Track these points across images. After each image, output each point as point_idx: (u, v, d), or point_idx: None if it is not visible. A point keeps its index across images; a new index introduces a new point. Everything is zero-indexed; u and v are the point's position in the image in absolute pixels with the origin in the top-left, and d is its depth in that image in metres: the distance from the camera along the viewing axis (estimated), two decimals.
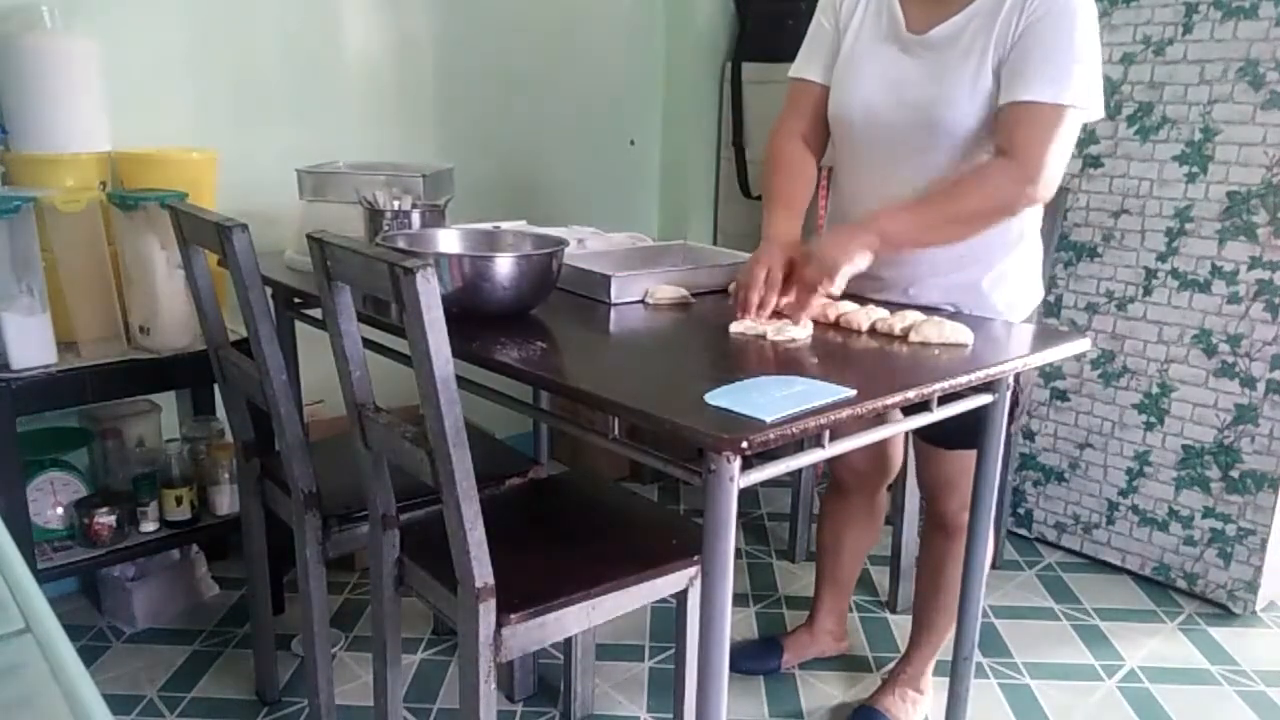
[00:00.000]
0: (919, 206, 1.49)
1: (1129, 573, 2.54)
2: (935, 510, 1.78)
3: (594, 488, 1.83)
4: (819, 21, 1.68)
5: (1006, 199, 1.47)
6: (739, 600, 2.36)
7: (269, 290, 1.65)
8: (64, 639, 0.65)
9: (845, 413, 1.13)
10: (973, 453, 1.56)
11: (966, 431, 1.49)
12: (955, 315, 1.56)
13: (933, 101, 1.51)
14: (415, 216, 1.73)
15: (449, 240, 1.67)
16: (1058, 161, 1.45)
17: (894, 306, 1.53)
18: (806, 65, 1.69)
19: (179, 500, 2.07)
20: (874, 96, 1.57)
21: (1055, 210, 2.38)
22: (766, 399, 1.11)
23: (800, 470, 2.40)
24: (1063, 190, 2.40)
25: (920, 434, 1.68)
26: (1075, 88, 1.43)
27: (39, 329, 1.82)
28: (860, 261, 1.44)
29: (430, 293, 1.11)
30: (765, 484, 1.60)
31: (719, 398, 1.12)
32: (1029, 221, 1.63)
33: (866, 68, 1.59)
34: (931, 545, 1.83)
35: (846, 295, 1.51)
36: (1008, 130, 1.46)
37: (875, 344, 1.42)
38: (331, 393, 1.62)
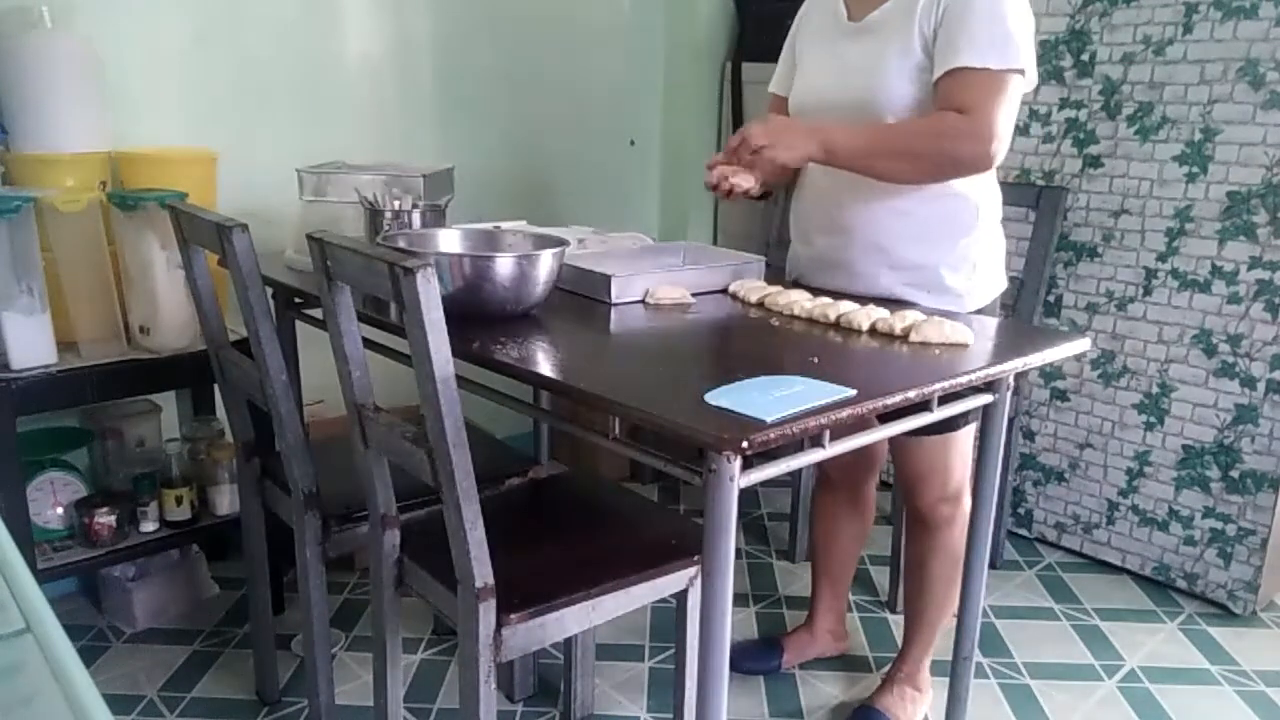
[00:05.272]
0: (872, 132, 1.55)
1: (1129, 573, 2.54)
2: (913, 505, 1.80)
3: (594, 488, 1.83)
4: (789, 35, 1.81)
5: (957, 150, 1.50)
6: (739, 600, 2.36)
7: (269, 290, 1.65)
8: (64, 639, 0.64)
9: (845, 413, 1.13)
10: (946, 440, 1.61)
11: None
12: (913, 302, 1.62)
13: (868, 82, 1.58)
14: (415, 216, 1.73)
15: (449, 240, 1.67)
16: (1007, 125, 1.48)
17: (859, 299, 1.57)
18: (778, 80, 1.83)
19: (179, 500, 2.07)
20: (820, 83, 1.68)
21: (1055, 210, 2.38)
22: (766, 399, 1.11)
23: (800, 470, 2.40)
24: (1062, 190, 2.41)
25: None
26: (1011, 53, 1.47)
27: (39, 329, 1.82)
28: (795, 158, 1.54)
29: (430, 293, 1.11)
30: (765, 484, 1.60)
31: (719, 398, 1.12)
32: (986, 208, 1.65)
33: (813, 59, 1.71)
34: (914, 540, 1.84)
35: (805, 287, 1.61)
36: (952, 95, 1.50)
37: (875, 344, 1.42)
38: (331, 393, 1.62)
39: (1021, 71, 1.49)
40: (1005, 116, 1.48)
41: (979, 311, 1.67)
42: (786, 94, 1.78)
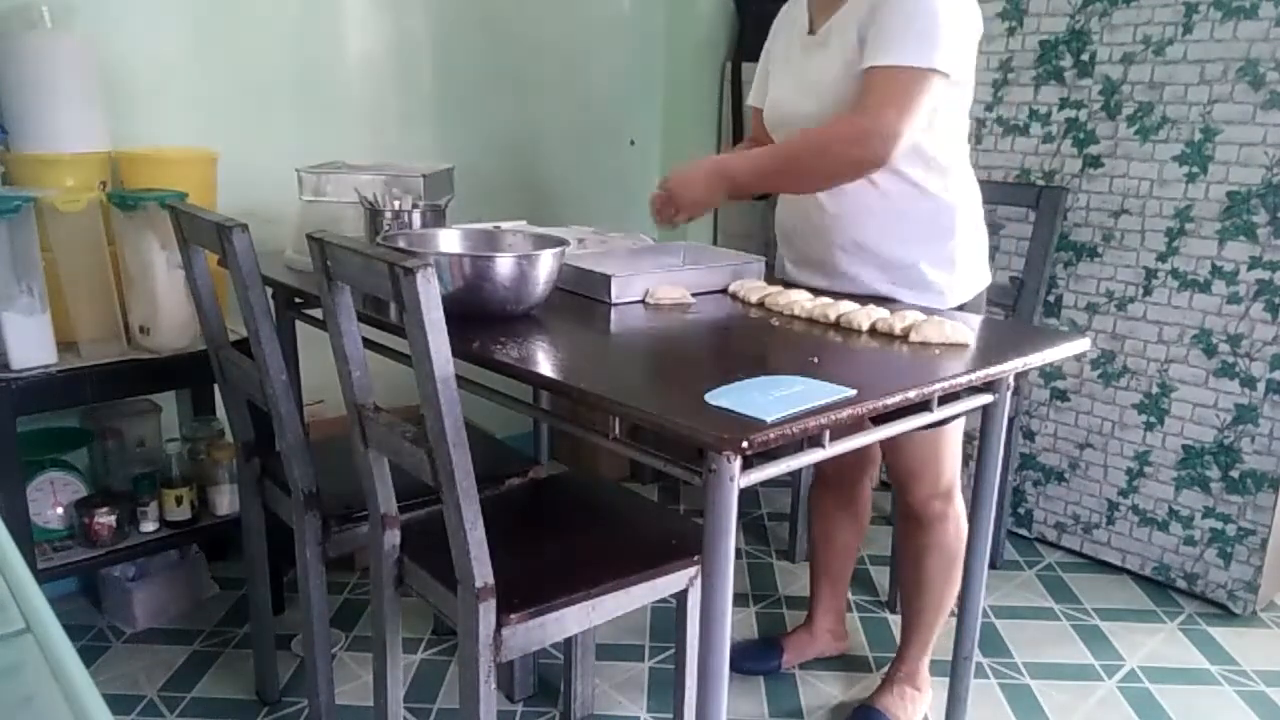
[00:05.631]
0: (767, 154, 1.63)
1: (1129, 573, 2.54)
2: (904, 500, 1.80)
3: (594, 488, 1.83)
4: (764, 48, 1.84)
5: (844, 154, 1.54)
6: (739, 600, 2.36)
7: (269, 290, 1.65)
8: (64, 639, 0.64)
9: (845, 413, 1.13)
10: (937, 435, 1.62)
11: None
12: (897, 299, 1.64)
13: (826, 90, 1.60)
14: (415, 216, 1.73)
15: (449, 240, 1.67)
16: (899, 120, 1.49)
17: (855, 298, 1.58)
18: (754, 94, 1.86)
19: (179, 500, 2.07)
20: (785, 98, 1.72)
21: (1055, 210, 2.38)
22: (766, 399, 1.11)
23: (800, 470, 2.40)
24: (1062, 190, 2.41)
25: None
26: (928, 52, 1.48)
27: (39, 329, 1.82)
28: (703, 204, 1.65)
29: (430, 293, 1.11)
30: (765, 484, 1.60)
31: (719, 398, 1.12)
32: (964, 204, 1.67)
33: (779, 73, 1.76)
34: (907, 538, 1.85)
35: (788, 284, 1.68)
36: (861, 94, 1.53)
37: (875, 344, 1.42)
38: (331, 393, 1.62)
39: (942, 73, 1.49)
40: (903, 115, 1.48)
41: (963, 307, 1.68)
42: (764, 105, 1.82)
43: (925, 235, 1.64)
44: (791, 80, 1.70)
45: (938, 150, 1.60)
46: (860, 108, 1.51)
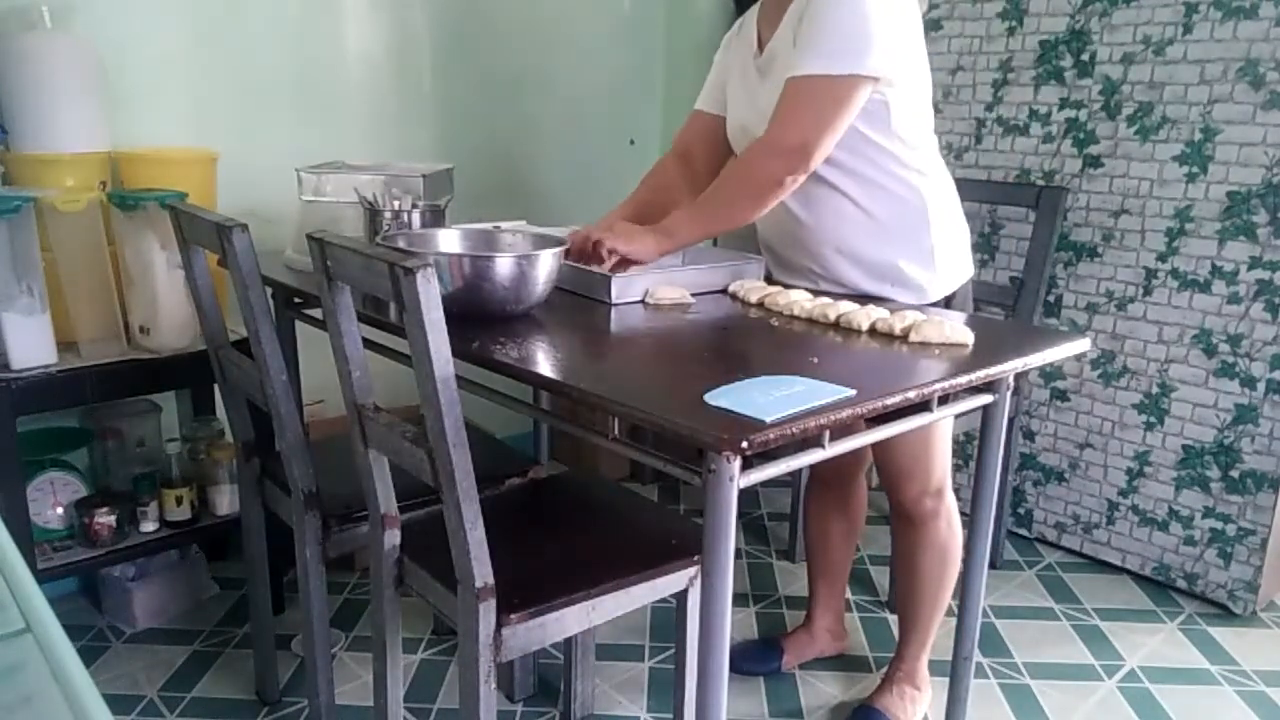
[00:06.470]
0: (696, 205, 1.65)
1: (1129, 573, 2.54)
2: (897, 500, 1.80)
3: (594, 488, 1.83)
4: (716, 57, 1.85)
5: (762, 173, 1.56)
6: (739, 600, 2.36)
7: (269, 290, 1.65)
8: (64, 639, 0.64)
9: (845, 413, 1.13)
10: (927, 433, 1.62)
11: None
12: (881, 296, 1.65)
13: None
14: (415, 216, 1.73)
15: (449, 240, 1.67)
16: (806, 130, 1.51)
17: (841, 297, 1.59)
18: (702, 97, 1.87)
19: (179, 500, 2.07)
20: (744, 119, 1.72)
21: (1055, 210, 2.38)
22: (766, 399, 1.11)
23: (800, 470, 2.40)
24: (1062, 190, 2.41)
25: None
26: (838, 60, 1.49)
27: (39, 329, 1.82)
28: (650, 257, 1.62)
29: (430, 293, 1.11)
30: (765, 484, 1.60)
31: (719, 398, 1.12)
32: (936, 200, 1.67)
33: (737, 94, 1.76)
34: (900, 537, 1.85)
35: (775, 282, 1.71)
36: (775, 106, 1.55)
37: (875, 344, 1.42)
38: (331, 393, 1.62)
39: (866, 78, 1.50)
40: (810, 124, 1.50)
41: (947, 301, 1.69)
42: (710, 109, 1.82)
43: (900, 234, 1.64)
44: (748, 106, 1.71)
45: (901, 149, 1.61)
46: (770, 122, 1.54)
